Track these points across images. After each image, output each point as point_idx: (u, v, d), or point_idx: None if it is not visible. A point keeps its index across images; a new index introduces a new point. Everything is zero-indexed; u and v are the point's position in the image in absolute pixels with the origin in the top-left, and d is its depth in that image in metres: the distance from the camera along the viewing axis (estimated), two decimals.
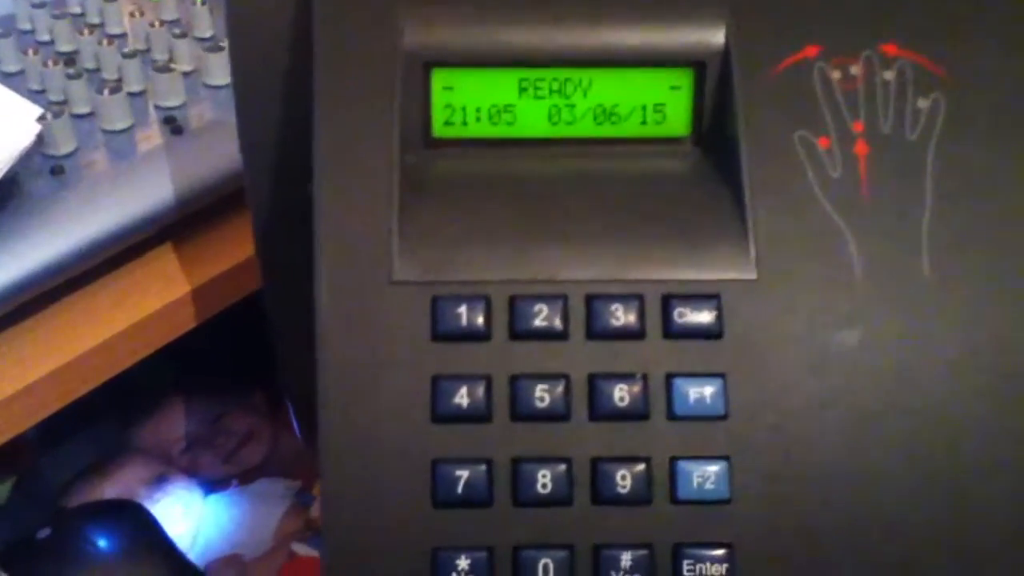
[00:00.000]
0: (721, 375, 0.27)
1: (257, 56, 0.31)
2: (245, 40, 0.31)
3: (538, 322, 0.27)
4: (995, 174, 0.28)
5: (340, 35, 0.29)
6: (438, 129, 0.30)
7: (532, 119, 0.30)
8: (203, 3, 0.49)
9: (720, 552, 0.26)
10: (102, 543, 0.45)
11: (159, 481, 0.52)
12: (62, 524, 0.46)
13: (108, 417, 0.55)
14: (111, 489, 0.52)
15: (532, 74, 0.30)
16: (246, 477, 0.53)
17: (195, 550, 0.49)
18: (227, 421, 0.55)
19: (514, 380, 0.27)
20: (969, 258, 0.27)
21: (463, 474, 0.26)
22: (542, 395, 0.27)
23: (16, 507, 0.52)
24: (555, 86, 0.30)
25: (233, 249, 0.44)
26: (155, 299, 0.42)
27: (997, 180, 0.28)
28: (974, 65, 0.29)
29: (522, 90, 0.30)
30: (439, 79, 0.29)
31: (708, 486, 0.26)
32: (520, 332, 0.27)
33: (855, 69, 0.29)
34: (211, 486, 0.52)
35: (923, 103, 0.28)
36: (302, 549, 0.50)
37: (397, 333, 0.27)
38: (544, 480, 0.26)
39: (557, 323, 0.27)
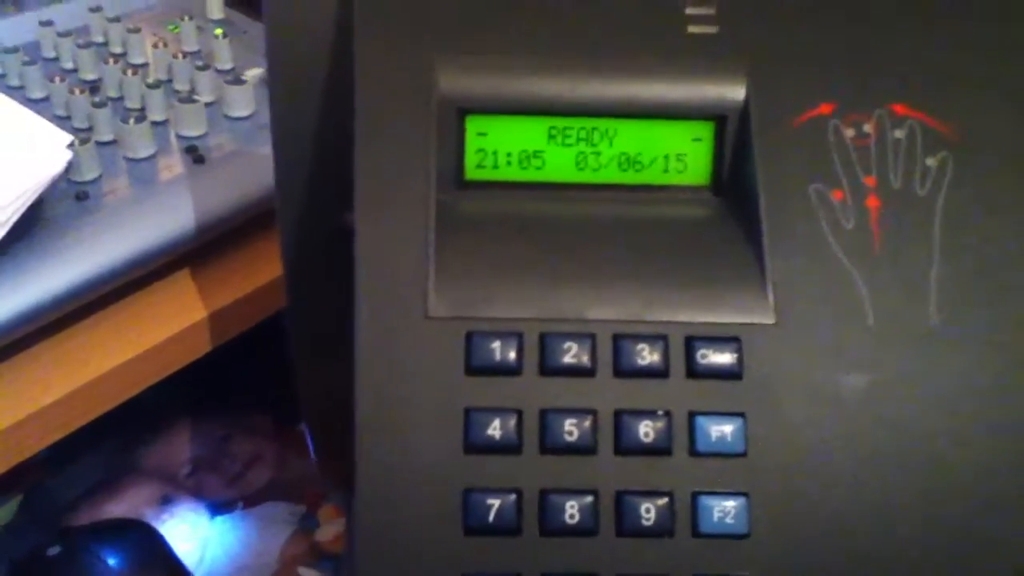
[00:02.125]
0: (741, 414, 0.28)
1: (294, 88, 0.32)
2: (283, 73, 0.32)
3: (567, 359, 0.28)
4: (1000, 229, 0.30)
5: (380, 81, 0.30)
6: (471, 172, 0.31)
7: (560, 165, 0.31)
8: (224, 36, 0.50)
9: None
10: (111, 561, 0.46)
11: (164, 502, 0.53)
12: (72, 541, 0.46)
13: (115, 438, 0.55)
14: (116, 509, 0.52)
15: (561, 122, 0.31)
16: (251, 500, 0.53)
17: (200, 571, 0.50)
18: (233, 444, 0.56)
19: (544, 414, 0.28)
20: (975, 308, 0.29)
21: (494, 503, 0.27)
22: (570, 429, 0.28)
23: (22, 525, 0.52)
24: (582, 134, 0.31)
25: (248, 276, 0.45)
26: (170, 324, 0.43)
27: (1002, 235, 0.30)
28: (981, 126, 0.30)
29: (551, 137, 0.31)
30: (473, 125, 0.31)
31: (728, 520, 0.28)
32: (550, 368, 0.28)
33: (868, 127, 0.30)
34: (216, 508, 0.53)
35: (931, 161, 0.30)
36: (307, 572, 0.50)
37: (432, 367, 0.28)
38: (571, 511, 0.27)
39: (585, 360, 0.28)
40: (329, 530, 0.52)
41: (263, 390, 0.57)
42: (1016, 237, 0.29)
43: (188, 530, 0.52)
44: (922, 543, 0.28)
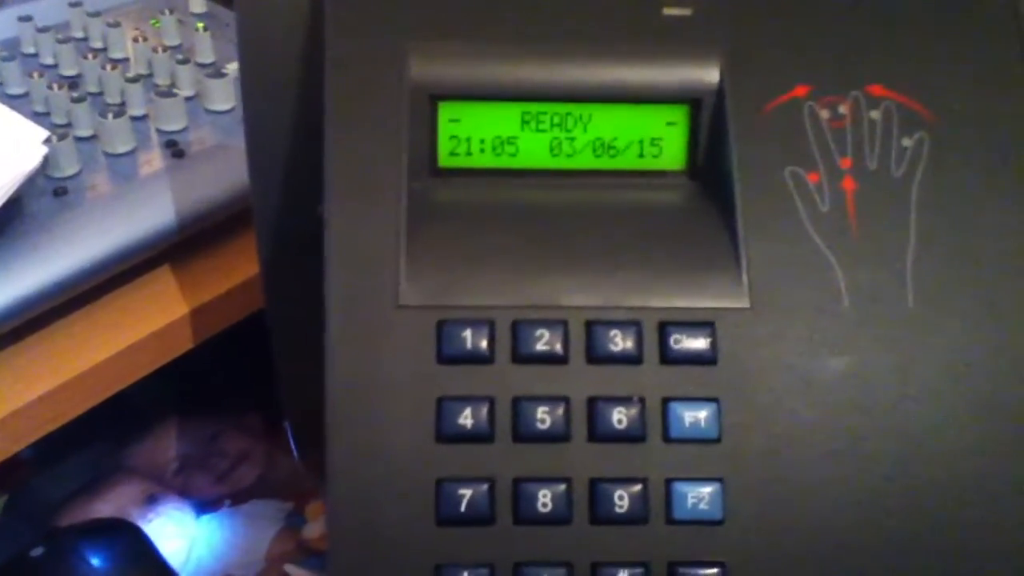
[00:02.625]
0: (715, 400, 0.28)
1: (267, 83, 0.32)
2: (256, 67, 0.32)
3: (540, 346, 0.28)
4: (977, 209, 0.29)
5: (351, 68, 0.30)
6: (444, 159, 0.31)
7: (534, 151, 0.31)
8: (205, 29, 0.50)
9: (713, 571, 0.27)
10: (96, 561, 0.45)
11: (151, 501, 0.52)
12: (56, 542, 0.46)
13: (101, 437, 0.55)
14: (103, 508, 0.52)
15: (534, 108, 0.31)
16: (239, 498, 0.53)
17: (187, 570, 0.50)
18: (220, 442, 0.55)
19: (516, 402, 0.28)
20: (951, 289, 0.29)
21: (466, 493, 0.27)
22: (543, 417, 0.27)
23: (8, 525, 0.52)
24: (556, 120, 0.31)
25: (230, 271, 0.45)
26: (152, 320, 0.42)
27: (979, 215, 0.29)
28: (957, 106, 0.30)
29: (524, 123, 0.31)
30: (445, 111, 0.31)
31: (702, 507, 0.27)
32: (522, 356, 0.28)
33: (843, 108, 0.30)
34: (203, 506, 0.52)
35: (907, 142, 0.30)
36: (294, 570, 0.50)
37: (403, 356, 0.28)
38: (544, 499, 0.27)
39: (558, 348, 0.28)
40: (316, 527, 0.52)
41: (251, 388, 0.56)
42: (993, 217, 0.29)
43: (175, 529, 0.51)
44: (899, 527, 0.27)
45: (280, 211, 0.34)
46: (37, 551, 0.45)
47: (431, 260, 0.29)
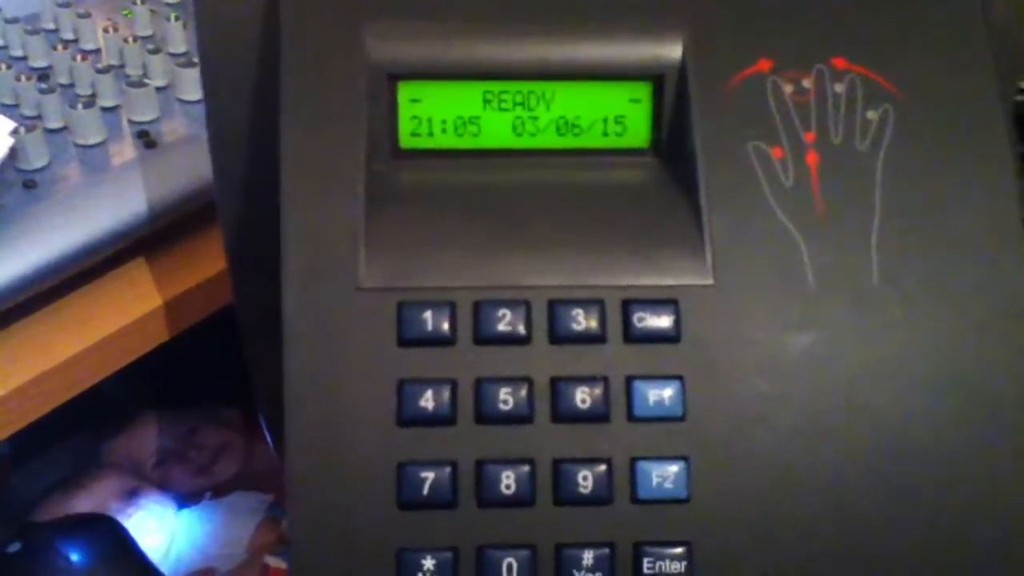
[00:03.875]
0: (679, 377, 0.27)
1: (227, 71, 0.32)
2: (215, 55, 0.32)
3: (502, 327, 0.28)
4: (942, 184, 0.29)
5: (306, 48, 0.29)
6: (405, 140, 0.31)
7: (497, 131, 0.31)
8: (177, 19, 0.50)
9: (679, 550, 0.27)
10: (74, 557, 0.45)
11: (131, 495, 0.52)
12: (33, 538, 0.46)
13: (80, 432, 0.55)
14: (83, 503, 0.52)
15: (496, 87, 0.30)
16: (219, 490, 0.53)
17: (168, 564, 0.49)
18: (200, 435, 0.55)
19: (478, 384, 0.27)
20: (916, 265, 0.28)
21: (428, 476, 0.27)
22: (506, 398, 0.27)
23: None
24: (519, 99, 0.31)
25: (205, 263, 0.44)
26: (127, 313, 0.42)
27: (944, 190, 0.29)
28: (922, 79, 0.30)
29: (487, 102, 0.31)
30: (405, 91, 0.30)
31: (667, 485, 0.27)
32: (484, 337, 0.28)
33: (807, 82, 0.29)
34: (184, 500, 0.52)
35: (872, 115, 0.29)
36: (275, 562, 0.50)
37: (363, 339, 0.27)
38: (508, 481, 0.27)
39: (520, 328, 0.28)
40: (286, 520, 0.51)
41: (229, 381, 0.56)
42: (957, 192, 0.29)
43: (155, 523, 0.51)
44: (865, 503, 0.27)
45: (244, 202, 0.34)
46: (14, 547, 0.45)
47: (391, 242, 0.28)
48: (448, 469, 0.27)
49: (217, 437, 0.55)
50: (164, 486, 0.53)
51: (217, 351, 0.52)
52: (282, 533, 0.51)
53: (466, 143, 0.31)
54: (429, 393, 0.27)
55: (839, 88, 0.29)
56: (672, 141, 0.30)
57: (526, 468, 0.27)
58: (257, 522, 0.51)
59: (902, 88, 0.29)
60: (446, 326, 0.27)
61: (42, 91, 0.44)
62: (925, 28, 0.30)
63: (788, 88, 0.29)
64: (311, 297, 0.27)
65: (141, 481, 0.53)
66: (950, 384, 0.28)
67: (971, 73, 0.30)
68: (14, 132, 0.40)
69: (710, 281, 0.28)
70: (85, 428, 0.55)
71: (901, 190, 0.29)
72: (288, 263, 0.28)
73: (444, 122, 0.31)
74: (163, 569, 0.48)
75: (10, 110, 0.44)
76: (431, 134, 0.31)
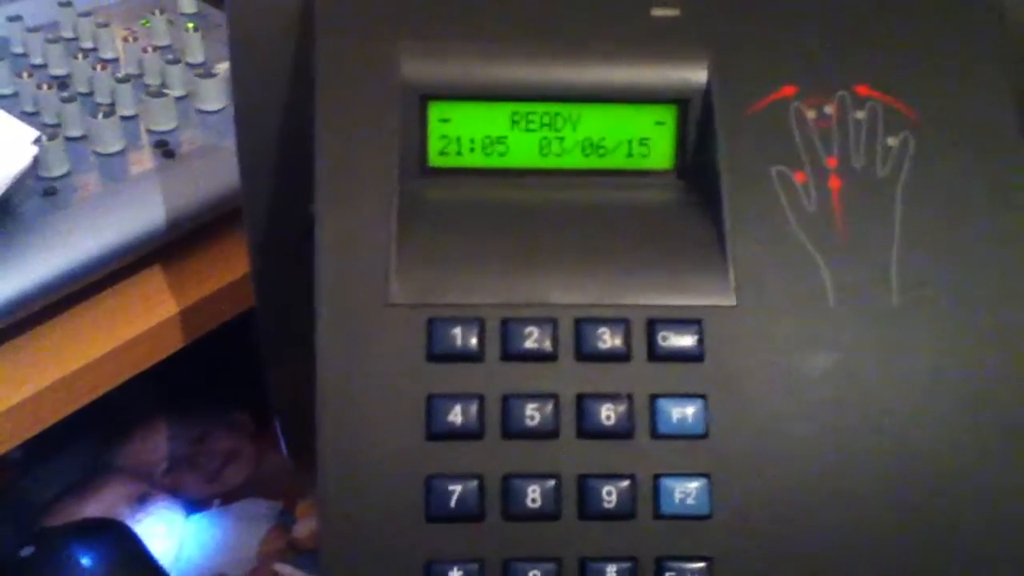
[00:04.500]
0: (702, 396, 0.28)
1: (258, 82, 0.32)
2: (247, 66, 0.32)
3: (529, 344, 0.28)
4: (960, 208, 0.30)
5: (342, 67, 0.30)
6: (433, 159, 0.31)
7: (523, 150, 0.31)
8: (195, 29, 0.50)
9: (700, 565, 0.27)
10: (86, 561, 0.45)
11: (141, 500, 0.52)
12: (46, 542, 0.46)
13: (90, 437, 0.55)
14: (93, 508, 0.52)
15: (524, 108, 0.31)
16: (229, 497, 0.53)
17: (178, 569, 0.50)
18: (210, 441, 0.56)
19: (505, 399, 0.28)
20: (935, 288, 0.29)
21: (456, 489, 0.27)
22: (532, 414, 0.28)
23: None
24: (546, 120, 0.31)
25: (220, 271, 0.45)
26: (142, 320, 0.42)
27: (962, 214, 0.30)
28: (941, 105, 0.30)
29: (514, 123, 0.31)
30: (435, 111, 0.31)
31: (689, 502, 0.28)
32: (512, 353, 0.28)
33: (829, 108, 0.30)
34: (193, 506, 0.53)
35: (893, 141, 0.30)
36: (284, 569, 0.50)
37: (393, 353, 0.28)
38: (533, 495, 0.27)
39: (547, 345, 0.28)
40: (306, 526, 0.52)
41: (240, 387, 0.56)
42: (976, 216, 0.29)
43: (165, 528, 0.51)
44: (885, 522, 0.28)
45: (270, 210, 0.34)
46: (27, 551, 0.45)
47: (421, 258, 0.29)
48: (475, 483, 0.27)
49: (226, 443, 0.56)
50: (174, 492, 0.53)
51: (226, 358, 0.53)
52: (291, 540, 0.52)
53: (493, 162, 0.31)
54: (457, 408, 0.28)
55: (860, 115, 0.30)
56: (696, 163, 0.31)
57: (552, 483, 0.28)
58: (266, 529, 0.52)
59: (922, 115, 0.30)
60: (474, 342, 0.28)
61: (63, 100, 0.44)
62: (945, 55, 0.31)
63: (811, 114, 0.30)
64: (343, 312, 0.28)
65: (151, 487, 0.53)
66: (970, 404, 0.28)
67: (990, 98, 0.30)
68: (37, 141, 0.41)
69: (733, 302, 0.29)
70: (95, 434, 0.55)
71: (921, 214, 0.29)
72: (321, 278, 0.28)
73: (472, 141, 0.31)
74: (173, 574, 0.49)
75: (31, 118, 0.45)
76: (459, 153, 0.31)
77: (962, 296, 0.29)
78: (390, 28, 0.30)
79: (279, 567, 0.50)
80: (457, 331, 0.28)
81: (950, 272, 0.29)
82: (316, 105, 0.29)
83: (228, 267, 0.45)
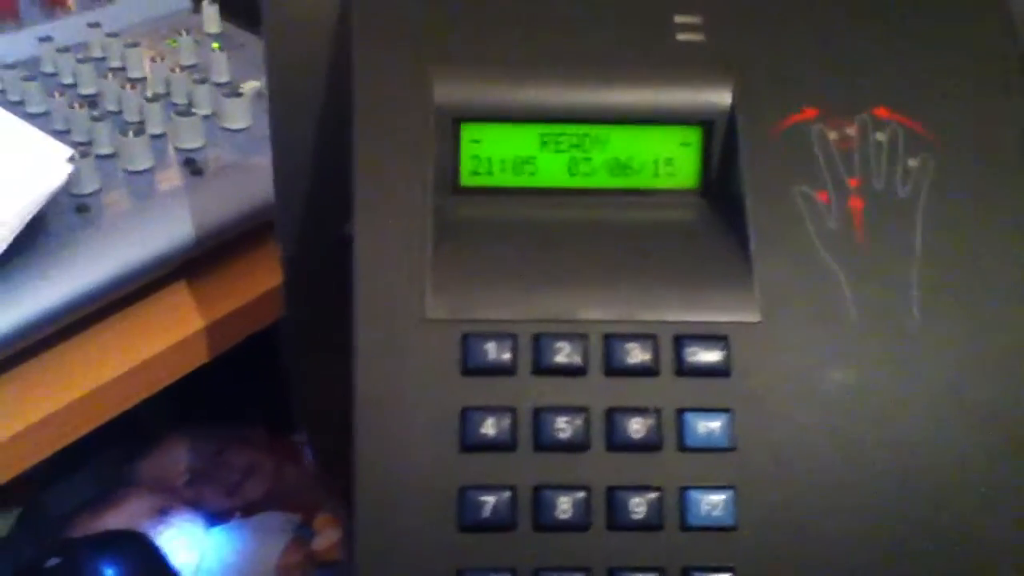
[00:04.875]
0: (728, 410, 0.29)
1: (294, 102, 0.33)
2: (283, 84, 0.33)
3: (560, 359, 0.29)
4: (979, 229, 0.30)
5: (378, 90, 0.31)
6: (465, 178, 0.32)
7: (552, 170, 0.32)
8: (220, 49, 0.51)
9: None
10: (109, 573, 0.46)
11: (161, 514, 0.53)
12: (70, 553, 0.47)
13: (111, 450, 0.56)
14: (114, 521, 0.52)
15: (553, 129, 0.32)
16: (248, 510, 0.54)
17: None
18: (229, 455, 0.56)
19: (537, 412, 0.29)
20: (956, 305, 0.30)
21: (488, 500, 0.28)
22: (563, 427, 0.28)
23: (20, 539, 0.52)
24: (574, 140, 0.32)
25: (244, 287, 0.45)
26: (168, 336, 0.43)
27: (982, 234, 0.30)
28: (959, 127, 0.31)
29: (543, 144, 0.32)
30: (467, 133, 0.32)
31: (716, 514, 0.28)
32: (543, 368, 0.29)
33: (851, 130, 0.31)
34: (214, 519, 0.53)
35: (913, 163, 0.31)
36: None
37: (429, 368, 0.29)
38: (564, 506, 0.28)
39: (577, 360, 0.29)
40: (325, 539, 0.52)
41: (258, 401, 0.57)
42: (996, 235, 0.30)
43: (185, 541, 0.52)
44: (906, 536, 0.28)
45: (303, 225, 0.35)
46: (53, 562, 0.46)
47: (455, 276, 0.30)
48: (508, 494, 0.28)
49: (246, 457, 0.56)
50: (194, 505, 0.54)
51: (245, 371, 0.53)
52: (310, 553, 0.52)
53: (523, 182, 0.32)
54: (490, 420, 0.28)
55: (881, 137, 0.31)
56: (721, 183, 0.32)
57: (582, 494, 0.28)
58: (286, 542, 0.52)
59: (941, 137, 0.31)
60: (507, 357, 0.29)
61: (93, 118, 0.45)
62: (963, 77, 0.32)
63: (833, 135, 0.31)
64: (380, 328, 0.29)
65: (171, 500, 0.54)
66: (991, 420, 0.29)
67: (1007, 120, 0.31)
68: (71, 159, 0.41)
69: (758, 318, 0.29)
70: (115, 447, 0.56)
71: (941, 234, 0.30)
72: (358, 294, 0.29)
73: (503, 162, 0.32)
74: None
75: (62, 136, 0.45)
76: (490, 173, 0.32)
77: (982, 315, 0.30)
78: (424, 52, 0.31)
79: None
80: (491, 346, 0.29)
81: (970, 291, 0.30)
82: (352, 126, 0.30)
83: (253, 283, 0.46)
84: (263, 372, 0.43)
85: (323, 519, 0.54)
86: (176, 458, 0.56)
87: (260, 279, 0.46)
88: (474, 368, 0.29)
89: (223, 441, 0.57)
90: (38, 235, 0.41)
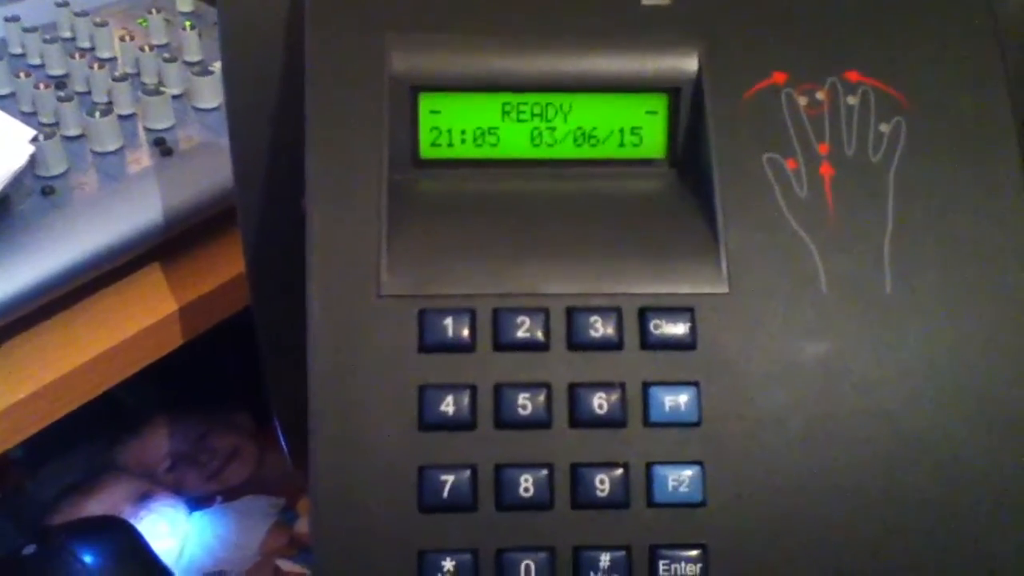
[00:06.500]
0: (695, 384, 0.28)
1: (250, 78, 0.32)
2: (238, 63, 0.33)
3: (521, 334, 0.28)
4: (954, 195, 0.29)
5: (331, 60, 0.30)
6: (425, 150, 0.31)
7: (515, 141, 0.31)
8: (192, 28, 0.50)
9: (694, 553, 0.27)
10: (88, 559, 0.46)
11: (143, 498, 0.53)
12: (48, 541, 0.46)
13: (93, 436, 0.55)
14: (96, 507, 0.52)
15: (515, 98, 0.31)
16: (231, 494, 0.53)
17: (180, 566, 0.50)
18: (211, 439, 0.56)
19: (498, 389, 0.28)
20: (928, 274, 0.29)
21: (448, 479, 0.27)
22: (524, 403, 0.28)
23: (1, 525, 0.52)
24: (537, 110, 0.31)
25: (219, 269, 0.45)
26: (142, 318, 0.43)
27: (956, 200, 0.29)
28: (933, 91, 0.30)
29: (505, 113, 0.31)
30: (426, 103, 0.31)
31: (683, 490, 0.27)
32: (504, 343, 0.28)
33: (820, 95, 0.30)
34: (196, 503, 0.53)
35: (885, 127, 0.30)
36: (287, 565, 0.50)
37: (385, 345, 0.28)
38: (526, 485, 0.27)
39: (539, 335, 0.28)
40: (308, 523, 0.52)
41: (241, 386, 0.56)
42: (968, 202, 0.29)
43: (167, 526, 0.51)
44: (879, 509, 0.28)
45: (264, 207, 0.34)
46: (29, 550, 0.45)
47: (412, 250, 0.29)
48: (468, 473, 0.27)
49: (228, 441, 0.56)
50: (176, 490, 0.53)
51: (227, 356, 0.53)
52: (293, 536, 0.52)
53: (485, 153, 0.31)
54: (449, 398, 0.28)
55: (852, 101, 0.30)
56: (688, 152, 0.31)
57: (544, 472, 0.27)
58: (268, 525, 0.52)
59: (914, 100, 0.30)
60: (466, 333, 0.28)
61: (60, 99, 0.45)
62: (937, 40, 0.31)
63: (802, 101, 0.30)
64: (335, 304, 0.28)
65: (153, 485, 0.53)
66: (963, 391, 0.28)
67: (983, 84, 0.30)
68: (34, 140, 0.41)
69: (725, 289, 0.29)
70: (97, 432, 0.55)
71: (913, 201, 0.29)
72: (313, 271, 0.28)
73: (463, 133, 0.31)
74: (175, 572, 0.49)
75: (29, 118, 0.45)
76: (451, 144, 0.31)
77: (955, 283, 0.29)
78: (379, 20, 0.30)
79: (281, 563, 0.50)
80: (448, 322, 0.28)
81: (943, 259, 0.29)
82: (306, 99, 0.29)
83: (226, 264, 0.45)
84: (246, 356, 0.42)
85: (307, 502, 0.53)
86: (159, 443, 0.56)
87: (235, 260, 0.45)
88: (432, 345, 0.28)
89: (206, 426, 0.56)
90: (4, 218, 0.40)
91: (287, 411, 0.39)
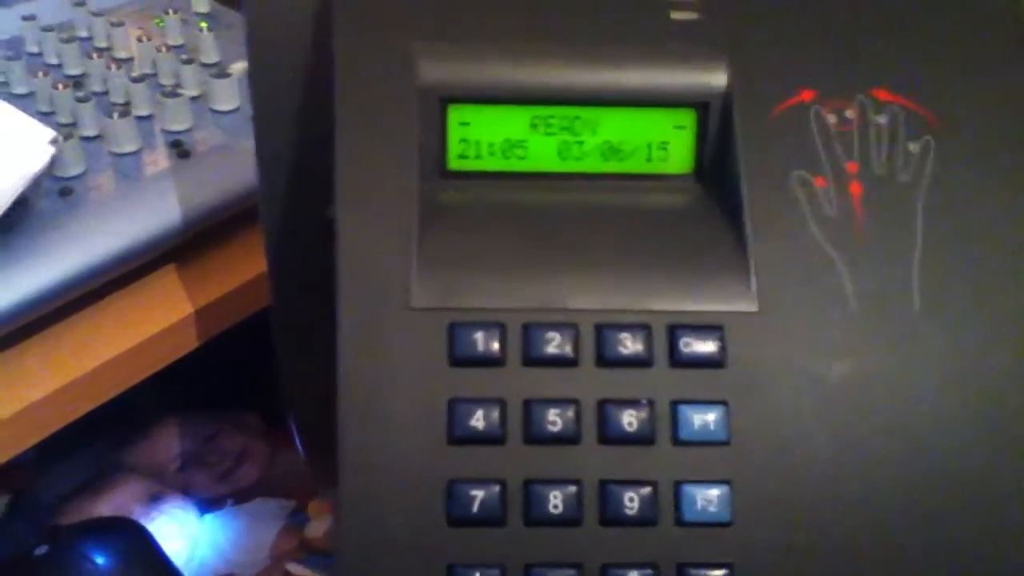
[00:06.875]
0: (724, 402, 0.28)
1: (276, 79, 0.32)
2: (264, 66, 0.32)
3: (550, 349, 0.28)
4: (981, 215, 0.30)
5: (361, 71, 0.30)
6: (453, 162, 0.31)
7: (543, 154, 0.31)
8: (209, 30, 0.50)
9: (721, 572, 0.27)
10: (99, 560, 0.45)
11: (154, 500, 0.53)
12: (59, 541, 0.46)
13: (103, 436, 0.55)
14: (106, 507, 0.52)
15: (543, 111, 0.31)
16: (241, 496, 0.53)
17: (191, 568, 0.50)
18: (222, 441, 0.56)
19: (527, 404, 0.28)
20: (957, 294, 0.29)
21: (478, 494, 0.27)
22: (554, 419, 0.28)
23: (11, 525, 0.52)
24: (565, 123, 0.31)
25: (235, 271, 0.45)
26: (157, 320, 0.42)
27: (984, 220, 0.29)
28: (962, 110, 0.30)
29: (533, 126, 0.31)
30: (455, 115, 0.31)
31: (711, 509, 0.27)
32: (533, 358, 0.28)
33: (849, 113, 0.30)
34: (206, 505, 0.53)
35: (914, 146, 0.30)
36: (296, 568, 0.50)
37: (415, 358, 0.28)
38: (555, 501, 0.27)
39: (568, 350, 0.28)
40: (319, 526, 0.52)
41: (251, 387, 0.56)
42: (998, 221, 0.29)
43: (177, 528, 0.51)
44: (905, 529, 0.28)
45: (288, 211, 0.34)
46: (41, 550, 0.45)
47: (442, 262, 0.29)
48: (497, 487, 0.27)
49: (238, 443, 0.56)
50: (186, 491, 0.53)
51: (238, 357, 0.53)
52: (303, 539, 0.52)
53: (512, 166, 0.31)
54: (479, 412, 0.28)
55: (881, 119, 0.30)
56: (715, 168, 0.31)
57: (573, 488, 0.27)
58: (279, 528, 0.52)
59: (942, 119, 0.30)
60: (496, 347, 0.28)
61: (78, 99, 0.44)
62: (966, 58, 0.31)
63: (831, 118, 0.30)
64: (365, 317, 0.28)
65: (163, 486, 0.53)
66: (991, 411, 0.28)
67: (1011, 103, 0.30)
68: (54, 141, 0.40)
69: (755, 308, 0.29)
70: (107, 433, 0.55)
71: (942, 220, 0.29)
72: (341, 282, 0.28)
73: (492, 145, 0.31)
74: (186, 574, 0.49)
75: (47, 118, 0.45)
76: (479, 156, 0.31)
77: (984, 302, 0.29)
78: (408, 30, 0.30)
79: (291, 567, 0.50)
80: (479, 336, 0.28)
81: (972, 278, 0.29)
82: (335, 107, 0.29)
83: (243, 266, 0.45)
84: (257, 357, 0.42)
85: (317, 505, 0.53)
86: (168, 444, 0.56)
87: (251, 262, 0.45)
88: (462, 359, 0.28)
89: (216, 426, 0.56)
90: (22, 219, 0.40)
91: (305, 411, 0.39)
